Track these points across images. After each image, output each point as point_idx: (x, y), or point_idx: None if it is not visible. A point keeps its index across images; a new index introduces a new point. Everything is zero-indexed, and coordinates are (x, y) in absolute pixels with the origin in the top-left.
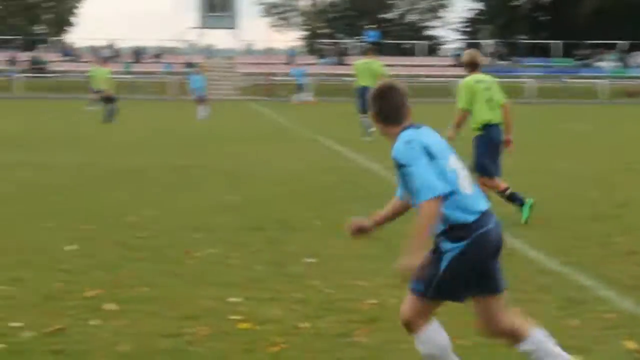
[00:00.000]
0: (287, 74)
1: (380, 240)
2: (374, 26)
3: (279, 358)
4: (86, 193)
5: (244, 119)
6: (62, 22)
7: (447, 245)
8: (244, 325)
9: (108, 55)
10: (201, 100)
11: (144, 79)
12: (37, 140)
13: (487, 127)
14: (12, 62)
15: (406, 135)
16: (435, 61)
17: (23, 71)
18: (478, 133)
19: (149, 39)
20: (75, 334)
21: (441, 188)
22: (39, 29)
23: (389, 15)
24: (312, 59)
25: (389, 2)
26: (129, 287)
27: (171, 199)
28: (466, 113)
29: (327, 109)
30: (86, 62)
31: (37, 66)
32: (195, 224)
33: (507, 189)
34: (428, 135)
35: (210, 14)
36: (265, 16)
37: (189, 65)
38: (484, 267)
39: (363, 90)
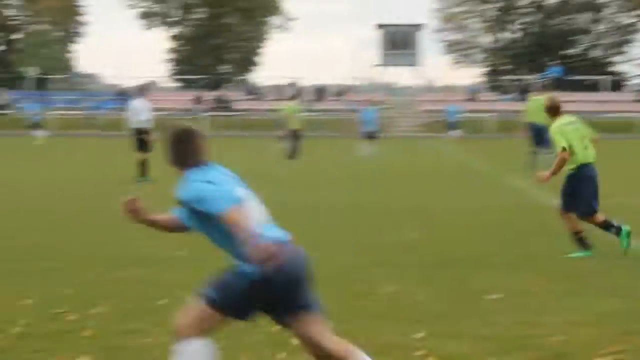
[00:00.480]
0: (467, 111)
1: (568, 276)
2: (557, 62)
3: None
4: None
5: (424, 156)
6: (246, 62)
7: (246, 267)
8: None
9: (291, 93)
10: (370, 135)
11: (326, 117)
12: None
13: (582, 166)
14: (197, 101)
15: (189, 175)
16: (619, 97)
17: (208, 110)
18: (571, 172)
19: (331, 77)
20: None
21: (235, 198)
22: (224, 68)
23: (572, 51)
24: (493, 96)
25: (572, 38)
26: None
27: (354, 235)
28: (567, 154)
29: (509, 145)
30: (270, 100)
31: (221, 105)
32: (379, 260)
33: (581, 231)
34: (214, 172)
35: (392, 51)
36: (446, 53)
37: (373, 103)
38: (285, 294)
39: (534, 126)
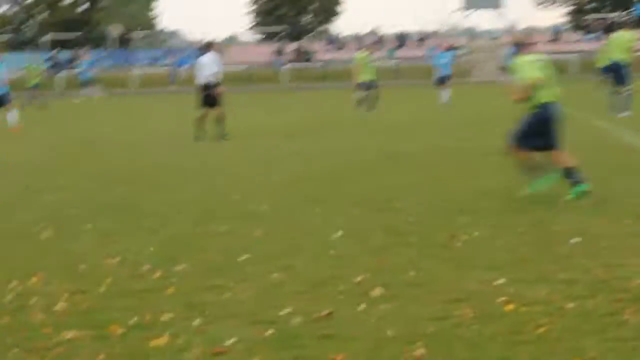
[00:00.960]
0: (552, 52)
1: None
2: None
3: (545, 339)
4: (353, 179)
5: (505, 99)
6: (328, 12)
7: None
8: (510, 307)
9: (372, 41)
10: (442, 81)
11: (408, 63)
12: (304, 129)
13: (544, 105)
14: (279, 52)
15: None
16: None
17: (289, 62)
18: (534, 110)
19: (413, 24)
20: (343, 319)
21: None
22: (305, 19)
23: None
24: (577, 36)
25: None
26: (396, 271)
27: (436, 183)
28: (532, 85)
29: (593, 86)
30: (351, 49)
31: (302, 56)
32: (461, 207)
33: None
34: None
35: None
36: None
37: (452, 48)
38: None
39: (614, 64)
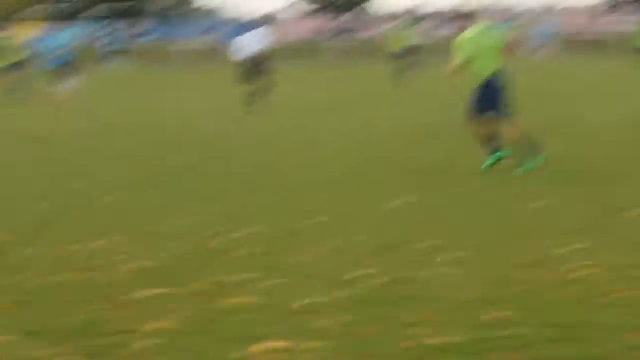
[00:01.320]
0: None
1: None
2: None
3: (633, 303)
4: (403, 149)
5: (552, 76)
6: None
7: None
8: (594, 271)
9: (410, 19)
10: None
11: (443, 41)
12: (347, 105)
13: (489, 77)
14: (320, 30)
15: None
16: None
17: (331, 38)
18: (480, 82)
19: (452, 2)
20: (423, 281)
21: None
22: None
23: None
24: (615, 16)
25: None
26: (469, 236)
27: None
28: (458, 67)
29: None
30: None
31: (344, 32)
32: (528, 177)
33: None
34: None
35: None
36: None
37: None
38: None
39: None
